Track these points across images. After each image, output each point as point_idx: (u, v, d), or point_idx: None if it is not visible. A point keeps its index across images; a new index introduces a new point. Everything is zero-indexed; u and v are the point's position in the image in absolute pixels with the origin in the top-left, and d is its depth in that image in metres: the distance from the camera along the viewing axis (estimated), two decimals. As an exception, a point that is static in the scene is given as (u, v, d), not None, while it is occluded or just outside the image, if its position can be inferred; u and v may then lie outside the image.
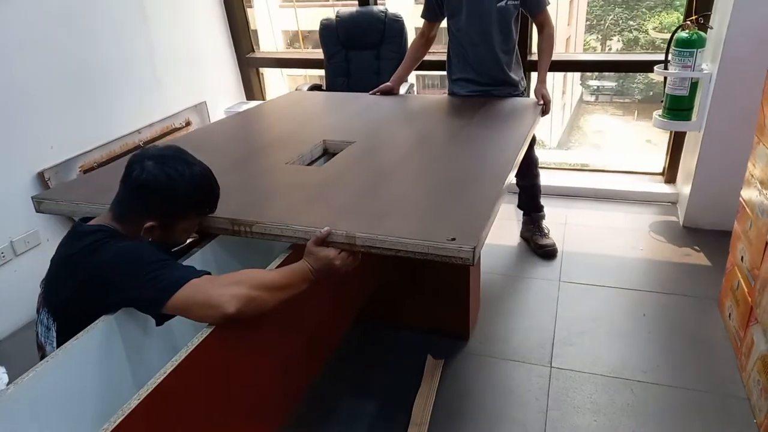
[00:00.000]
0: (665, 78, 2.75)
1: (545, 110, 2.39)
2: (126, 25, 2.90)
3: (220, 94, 3.67)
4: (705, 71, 2.62)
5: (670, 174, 3.28)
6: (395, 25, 3.15)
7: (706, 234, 2.83)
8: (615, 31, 13.15)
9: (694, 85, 2.68)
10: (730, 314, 2.11)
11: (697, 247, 2.74)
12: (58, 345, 1.11)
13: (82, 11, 2.63)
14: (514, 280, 2.59)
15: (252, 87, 3.89)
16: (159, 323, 1.15)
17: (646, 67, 2.91)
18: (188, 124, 3.28)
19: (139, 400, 0.91)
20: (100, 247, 1.16)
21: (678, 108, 2.75)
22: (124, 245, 1.17)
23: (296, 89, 3.19)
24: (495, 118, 2.25)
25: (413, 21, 3.07)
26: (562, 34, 12.60)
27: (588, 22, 13.23)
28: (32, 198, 1.63)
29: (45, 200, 1.61)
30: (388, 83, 2.73)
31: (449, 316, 2.18)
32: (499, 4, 2.37)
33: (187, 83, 3.35)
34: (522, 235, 2.93)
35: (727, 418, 1.78)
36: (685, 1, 2.87)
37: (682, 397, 1.87)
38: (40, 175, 2.45)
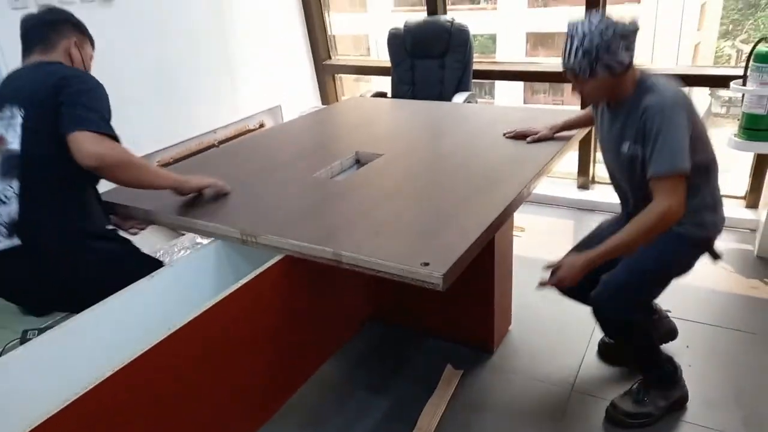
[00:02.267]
0: (743, 95, 2.55)
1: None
2: (208, 32, 3.16)
3: (296, 99, 3.88)
4: (786, 89, 2.40)
5: (752, 198, 3.02)
6: (461, 35, 3.16)
7: (782, 267, 2.59)
8: (756, 36, 11.88)
9: (774, 104, 2.46)
10: (781, 356, 1.94)
11: (767, 280, 2.52)
12: (23, 132, 1.50)
13: (167, 16, 2.90)
14: (555, 299, 2.52)
15: (327, 92, 4.08)
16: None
17: (721, 82, 2.70)
18: (261, 126, 3.53)
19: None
20: (79, 72, 1.60)
21: (755, 128, 2.54)
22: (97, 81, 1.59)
23: (360, 96, 3.31)
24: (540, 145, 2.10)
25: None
26: (691, 40, 11.57)
27: (723, 27, 12.13)
28: None
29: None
30: (540, 131, 2.09)
31: (474, 327, 2.19)
32: (623, 149, 1.65)
33: (264, 88, 3.58)
34: None
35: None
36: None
37: (705, 438, 1.76)
38: (122, 168, 2.76)
